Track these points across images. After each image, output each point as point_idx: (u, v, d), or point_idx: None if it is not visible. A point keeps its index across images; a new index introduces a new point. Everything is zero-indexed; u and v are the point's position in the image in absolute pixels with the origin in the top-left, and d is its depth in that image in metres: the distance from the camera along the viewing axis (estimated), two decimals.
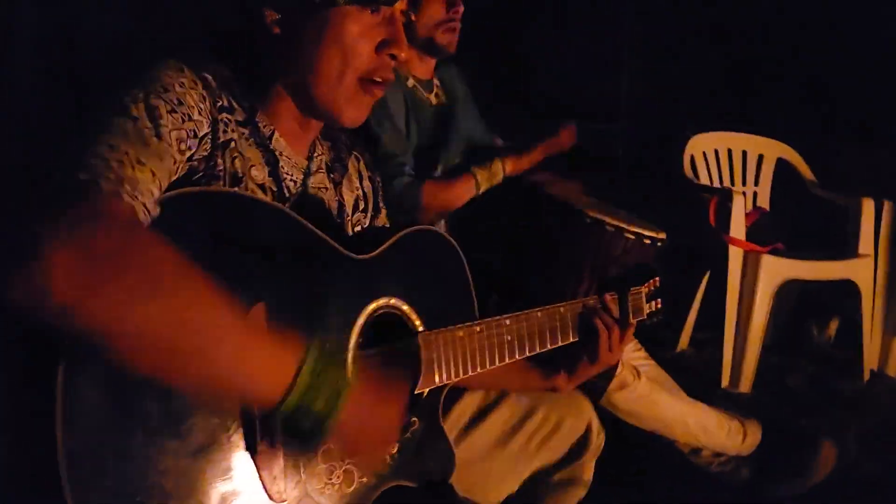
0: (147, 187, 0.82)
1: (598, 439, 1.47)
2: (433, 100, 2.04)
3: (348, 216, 1.25)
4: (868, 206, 2.79)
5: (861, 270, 2.76)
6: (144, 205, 0.81)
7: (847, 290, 2.91)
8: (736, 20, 3.69)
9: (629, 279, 1.43)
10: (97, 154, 0.81)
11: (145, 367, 0.75)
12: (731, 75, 3.73)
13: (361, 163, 1.30)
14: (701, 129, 3.09)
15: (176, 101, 0.92)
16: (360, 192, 1.28)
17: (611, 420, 1.96)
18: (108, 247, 0.72)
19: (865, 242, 2.79)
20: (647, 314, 1.46)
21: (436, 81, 2.08)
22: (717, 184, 3.03)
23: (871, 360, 2.88)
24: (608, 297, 1.37)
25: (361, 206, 1.28)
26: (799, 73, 3.59)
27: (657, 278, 1.49)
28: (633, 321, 1.41)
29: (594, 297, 1.36)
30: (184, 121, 0.92)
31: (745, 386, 2.69)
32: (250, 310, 0.89)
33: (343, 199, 1.24)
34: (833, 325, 3.12)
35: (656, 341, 2.86)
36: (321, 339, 0.85)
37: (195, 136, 0.94)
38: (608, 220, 1.72)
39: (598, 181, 2.10)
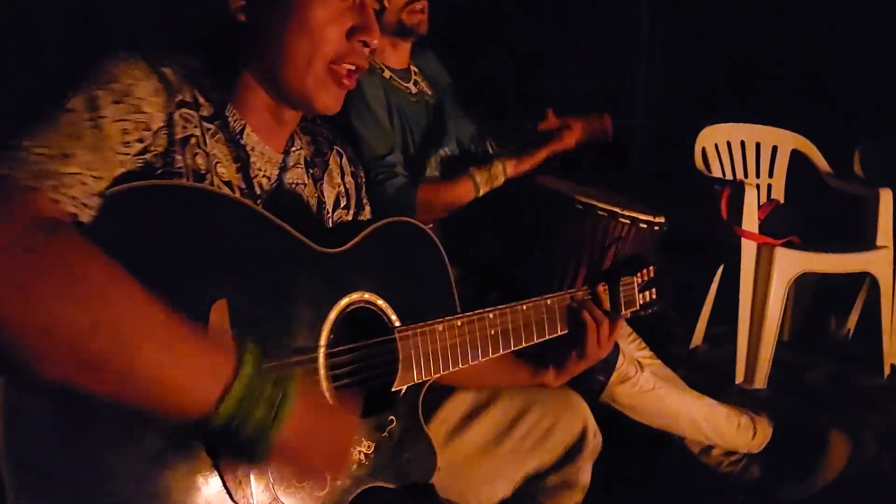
0: (75, 180, 0.79)
1: (594, 441, 1.41)
2: (413, 88, 1.98)
3: (328, 213, 1.21)
4: (886, 196, 2.72)
5: (879, 262, 2.68)
6: (73, 198, 0.78)
7: (866, 283, 2.85)
8: (750, 14, 3.63)
9: (620, 269, 1.38)
10: (17, 146, 0.78)
11: (55, 372, 0.70)
12: (745, 69, 3.67)
13: (344, 158, 1.26)
14: (713, 121, 3.03)
15: (121, 92, 0.89)
16: (342, 188, 1.25)
17: (616, 418, 1.91)
18: (12, 241, 0.68)
19: (884, 234, 2.71)
20: (641, 305, 1.40)
21: (413, 69, 2.02)
22: (730, 176, 2.97)
23: (891, 354, 2.79)
24: (599, 288, 1.32)
25: (343, 202, 1.25)
26: (813, 66, 3.53)
27: (651, 267, 1.43)
28: (625, 313, 1.36)
29: (583, 289, 1.31)
30: (131, 112, 0.89)
31: (760, 382, 2.62)
32: (211, 308, 0.85)
33: (323, 196, 1.20)
34: (852, 320, 3.04)
35: (669, 338, 2.82)
36: (258, 343, 0.80)
37: (147, 128, 0.91)
38: (599, 204, 1.67)
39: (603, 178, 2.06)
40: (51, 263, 0.69)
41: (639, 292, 1.41)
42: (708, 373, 2.71)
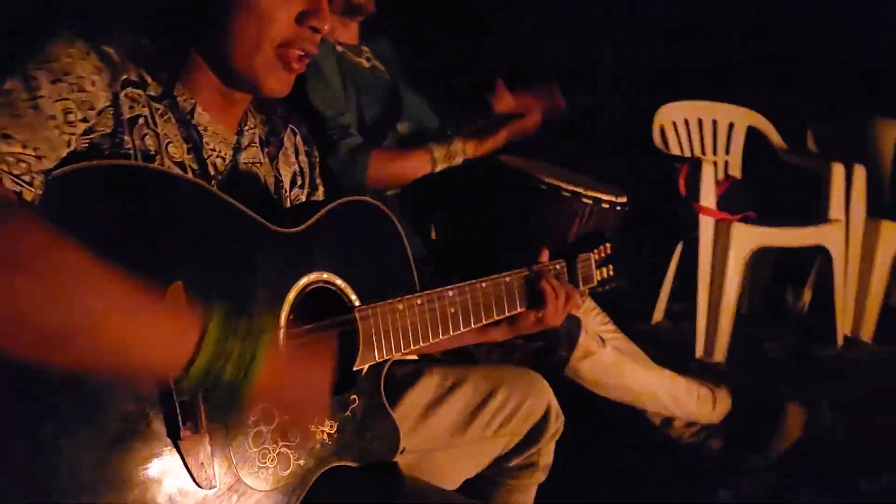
0: (16, 158, 0.79)
1: (556, 422, 1.43)
2: (364, 63, 1.97)
3: (286, 192, 1.20)
4: (838, 170, 2.78)
5: (832, 235, 2.75)
6: (15, 176, 0.78)
7: (821, 256, 2.92)
8: None
9: (578, 246, 1.39)
10: None
11: (20, 351, 0.70)
12: (705, 48, 3.73)
13: (298, 136, 1.25)
14: (672, 99, 3.07)
15: (60, 71, 0.87)
16: (297, 166, 1.24)
17: (580, 394, 1.94)
18: None
19: (836, 207, 2.77)
20: (598, 281, 1.42)
21: (364, 48, 2.00)
22: (688, 153, 3.01)
23: (845, 325, 2.87)
24: (557, 265, 1.34)
25: (299, 181, 1.24)
26: (770, 43, 3.60)
27: (608, 244, 1.45)
28: (583, 289, 1.37)
29: (539, 264, 1.32)
30: (72, 91, 0.87)
31: (720, 355, 2.67)
32: (167, 289, 0.84)
33: (280, 175, 1.19)
34: (807, 292, 3.11)
35: (631, 314, 2.86)
36: (225, 305, 0.80)
37: (91, 108, 0.89)
38: (564, 185, 1.69)
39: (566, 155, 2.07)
40: (3, 241, 0.69)
41: (596, 268, 1.42)
42: (670, 348, 2.75)
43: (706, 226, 2.68)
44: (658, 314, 3.03)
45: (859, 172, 2.81)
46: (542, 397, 1.44)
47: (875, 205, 2.88)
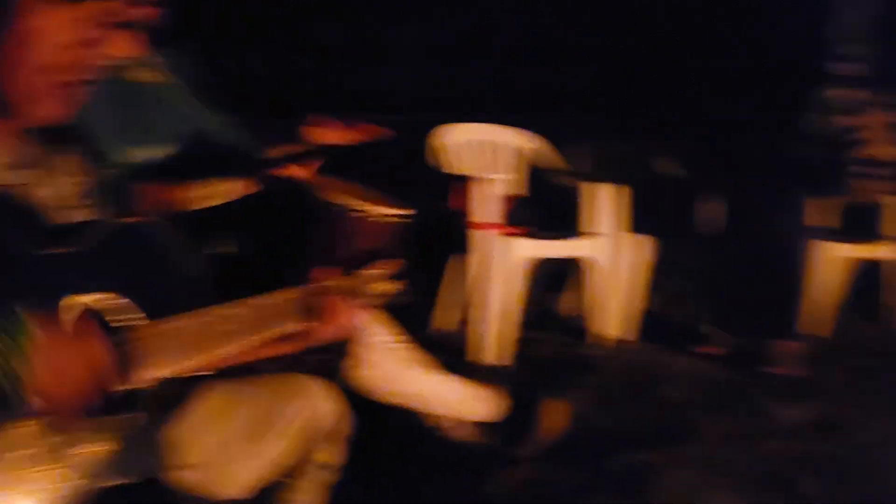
0: None
1: (343, 426, 1.50)
2: (149, 77, 1.93)
3: (61, 212, 1.19)
4: (600, 189, 3.12)
5: (595, 247, 3.10)
6: None
7: (587, 265, 3.26)
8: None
9: (361, 261, 1.48)
10: None
11: None
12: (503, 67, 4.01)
13: (75, 156, 1.24)
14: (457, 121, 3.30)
15: None
16: (71, 187, 1.22)
17: (362, 398, 2.03)
18: None
19: (598, 221, 3.11)
20: (382, 295, 1.51)
21: (150, 60, 1.94)
22: (471, 173, 3.23)
23: (609, 326, 3.22)
24: (339, 279, 1.42)
25: (73, 202, 1.23)
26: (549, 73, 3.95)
27: (395, 259, 1.54)
28: (365, 301, 1.47)
29: (323, 280, 1.40)
30: None
31: (499, 358, 2.91)
32: None
33: (49, 195, 1.17)
34: (576, 298, 3.45)
35: (411, 321, 3.01)
36: None
37: None
38: (335, 200, 1.76)
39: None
40: None
41: (381, 282, 1.51)
42: (448, 352, 2.92)
43: (485, 239, 2.90)
44: (440, 321, 3.21)
45: (621, 191, 3.16)
46: (327, 401, 1.51)
47: (632, 219, 3.24)
